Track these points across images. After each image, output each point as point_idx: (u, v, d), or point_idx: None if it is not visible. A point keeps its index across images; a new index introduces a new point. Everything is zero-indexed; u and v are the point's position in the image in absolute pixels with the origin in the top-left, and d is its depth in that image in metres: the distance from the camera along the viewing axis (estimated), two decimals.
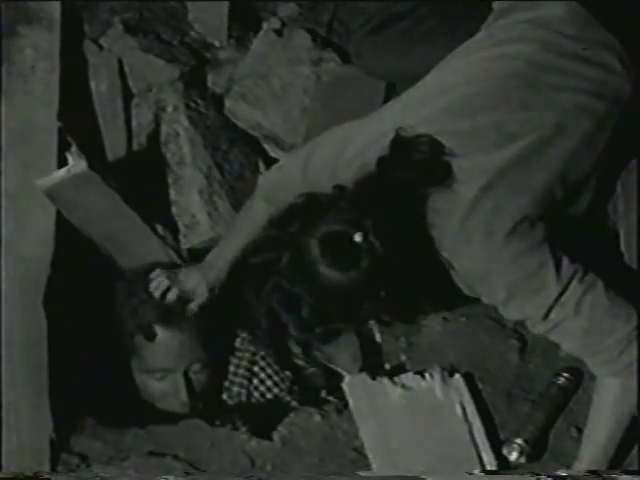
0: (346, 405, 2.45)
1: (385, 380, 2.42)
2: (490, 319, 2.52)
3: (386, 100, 2.91)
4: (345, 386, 2.43)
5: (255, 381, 2.72)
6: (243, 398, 2.73)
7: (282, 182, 2.46)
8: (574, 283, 2.18)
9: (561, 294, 2.18)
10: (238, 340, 2.75)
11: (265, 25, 3.04)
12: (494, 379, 2.45)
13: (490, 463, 2.33)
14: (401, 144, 2.19)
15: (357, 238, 2.10)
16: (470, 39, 2.40)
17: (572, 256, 2.20)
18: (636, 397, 2.26)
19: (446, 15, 2.61)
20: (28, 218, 2.60)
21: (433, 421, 2.37)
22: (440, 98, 2.28)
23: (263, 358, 2.72)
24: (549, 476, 2.28)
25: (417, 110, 2.28)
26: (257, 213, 2.53)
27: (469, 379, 2.43)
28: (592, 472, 2.27)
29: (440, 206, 2.18)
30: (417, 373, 2.43)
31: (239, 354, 2.73)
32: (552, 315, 2.19)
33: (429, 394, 2.40)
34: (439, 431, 2.37)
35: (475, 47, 2.36)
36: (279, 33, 3.01)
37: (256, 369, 2.72)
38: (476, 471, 2.31)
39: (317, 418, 2.43)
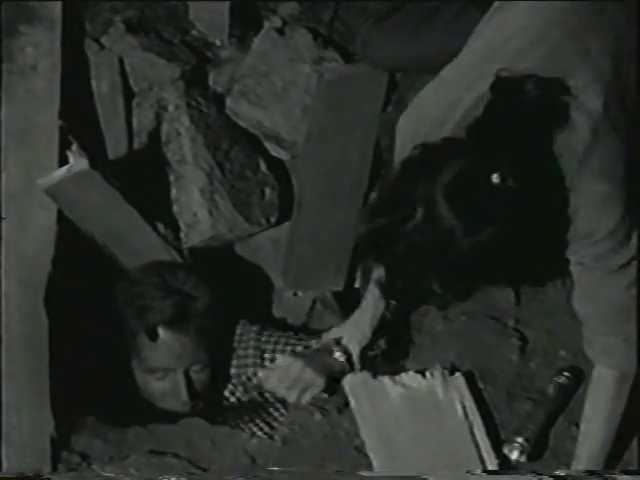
0: (347, 404, 2.45)
1: (386, 379, 2.42)
2: (491, 318, 2.52)
3: (388, 98, 2.91)
4: (346, 385, 2.43)
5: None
6: (245, 396, 2.74)
7: None
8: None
9: (633, 258, 2.15)
10: (241, 336, 2.74)
11: (266, 24, 3.03)
12: (495, 378, 2.45)
13: (491, 462, 2.33)
14: (504, 87, 2.08)
15: (495, 179, 1.98)
16: None
17: None
18: (628, 391, 2.29)
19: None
20: (29, 217, 2.60)
21: (434, 420, 2.37)
22: (524, 32, 2.19)
23: (272, 360, 2.72)
24: (551, 476, 2.28)
25: (504, 49, 2.19)
26: None
27: (470, 378, 2.43)
28: (591, 472, 2.27)
29: (563, 139, 2.09)
30: (418, 372, 2.44)
31: (242, 352, 2.73)
32: (615, 277, 2.16)
33: (430, 393, 2.40)
34: (440, 430, 2.37)
35: None
36: (280, 32, 3.01)
37: (267, 363, 2.71)
38: (477, 471, 2.31)
39: (318, 417, 2.43)
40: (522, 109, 2.06)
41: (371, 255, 2.12)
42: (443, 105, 2.24)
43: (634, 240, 2.14)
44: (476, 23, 2.36)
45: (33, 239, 2.58)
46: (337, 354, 2.50)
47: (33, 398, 2.41)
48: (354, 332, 2.55)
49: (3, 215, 2.58)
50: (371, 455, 2.35)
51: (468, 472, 2.31)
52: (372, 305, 2.53)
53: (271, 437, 2.46)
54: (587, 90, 2.11)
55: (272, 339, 2.71)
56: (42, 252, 2.56)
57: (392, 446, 2.35)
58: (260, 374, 2.54)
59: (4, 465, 2.34)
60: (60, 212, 2.62)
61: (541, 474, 2.28)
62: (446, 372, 2.43)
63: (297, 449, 2.40)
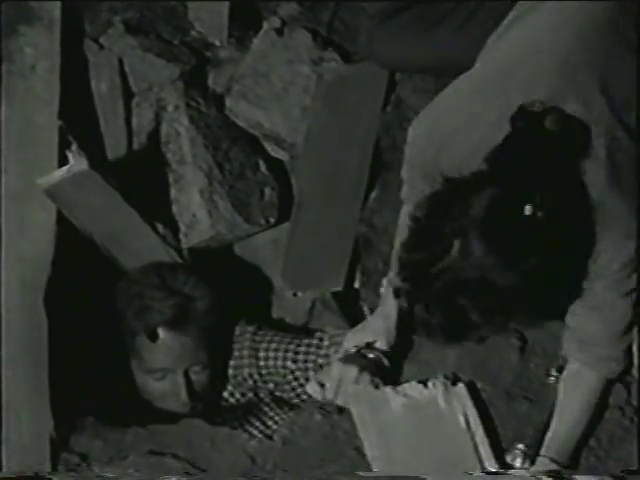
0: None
1: (387, 389, 2.40)
2: None
3: (387, 98, 2.91)
4: (348, 394, 2.41)
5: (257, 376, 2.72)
6: (243, 397, 2.74)
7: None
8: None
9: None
10: (238, 337, 2.74)
11: (266, 24, 3.03)
12: (494, 378, 2.44)
13: None
14: (524, 120, 2.10)
15: (527, 211, 2.00)
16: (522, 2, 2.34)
17: None
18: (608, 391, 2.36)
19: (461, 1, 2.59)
20: (29, 217, 2.60)
21: (436, 430, 2.36)
22: (533, 62, 2.20)
23: (266, 359, 2.72)
24: (549, 476, 2.28)
25: (514, 77, 2.20)
26: None
27: (472, 388, 2.42)
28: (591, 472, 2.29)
29: (586, 175, 2.11)
30: (420, 382, 2.42)
31: (237, 352, 2.73)
32: (624, 298, 2.21)
33: (432, 403, 2.38)
34: (442, 440, 2.35)
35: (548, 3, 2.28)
36: (280, 32, 3.01)
37: (261, 363, 2.71)
38: (476, 472, 2.31)
39: (318, 417, 2.43)
40: (543, 142, 2.08)
41: (409, 293, 2.12)
42: (458, 117, 2.24)
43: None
44: (486, 28, 2.37)
45: (33, 239, 2.58)
46: (371, 356, 2.49)
47: (33, 398, 2.41)
48: (381, 334, 2.53)
49: (3, 215, 2.58)
50: (372, 464, 2.34)
51: (467, 473, 2.31)
52: (393, 305, 2.52)
53: (271, 437, 2.45)
54: (603, 122, 2.12)
55: (266, 338, 2.71)
56: (42, 252, 2.56)
57: (394, 456, 2.33)
58: (309, 389, 2.48)
59: (4, 465, 2.34)
60: (60, 212, 2.62)
61: (540, 475, 2.28)
62: (448, 382, 2.41)
63: (297, 449, 2.40)
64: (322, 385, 2.43)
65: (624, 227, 2.14)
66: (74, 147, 2.59)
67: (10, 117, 2.72)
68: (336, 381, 2.41)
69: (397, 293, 2.17)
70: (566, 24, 2.23)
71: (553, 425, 2.35)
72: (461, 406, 2.38)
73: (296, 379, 2.67)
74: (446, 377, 2.43)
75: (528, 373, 2.46)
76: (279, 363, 2.67)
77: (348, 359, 2.45)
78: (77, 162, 2.57)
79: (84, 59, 2.94)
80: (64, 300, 2.55)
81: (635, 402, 2.41)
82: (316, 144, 2.91)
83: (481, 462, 2.33)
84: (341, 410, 2.43)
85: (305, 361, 2.65)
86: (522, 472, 2.31)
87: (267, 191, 2.92)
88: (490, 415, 2.40)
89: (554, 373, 2.41)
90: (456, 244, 2.02)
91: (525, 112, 2.10)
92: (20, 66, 2.79)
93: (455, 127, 2.23)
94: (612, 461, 2.38)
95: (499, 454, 2.34)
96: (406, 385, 2.41)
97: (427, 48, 2.66)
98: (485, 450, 2.34)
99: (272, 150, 3.00)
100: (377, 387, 2.40)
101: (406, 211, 2.42)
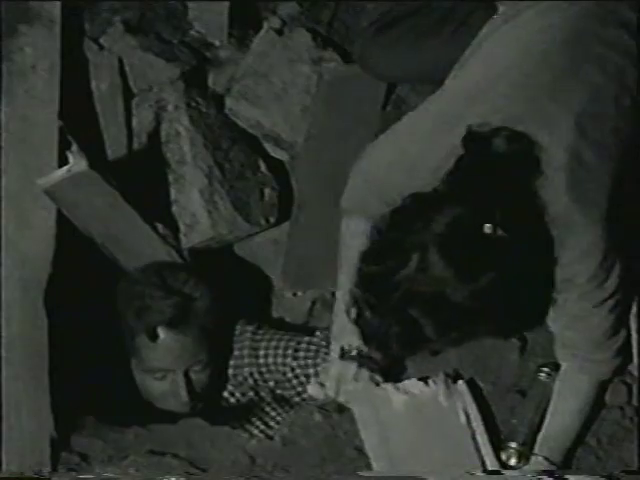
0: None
1: (389, 387, 2.40)
2: None
3: (387, 100, 2.91)
4: (349, 392, 2.41)
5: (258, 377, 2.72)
6: (243, 397, 2.74)
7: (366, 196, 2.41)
8: (623, 281, 2.22)
9: (616, 290, 2.22)
10: (238, 336, 2.74)
11: (265, 24, 3.03)
12: (494, 378, 2.45)
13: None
14: (475, 141, 2.13)
15: (487, 230, 2.04)
16: (494, 20, 2.37)
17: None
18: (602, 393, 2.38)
19: (452, 9, 2.60)
20: (29, 217, 2.60)
21: (436, 428, 2.36)
22: (495, 84, 2.23)
23: (265, 356, 2.72)
24: (550, 475, 2.28)
25: (473, 105, 2.23)
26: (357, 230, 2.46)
27: (472, 385, 2.43)
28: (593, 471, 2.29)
29: (541, 193, 2.13)
30: (420, 379, 2.42)
31: (238, 352, 2.73)
32: (599, 307, 2.23)
33: (433, 401, 2.39)
34: (442, 438, 2.36)
35: (508, 28, 2.32)
36: (279, 32, 3.01)
37: (261, 361, 2.71)
38: (477, 471, 2.31)
39: (318, 417, 2.43)
40: (499, 162, 2.10)
41: (366, 303, 2.14)
42: (419, 143, 2.27)
43: (615, 274, 2.19)
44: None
45: (33, 239, 2.58)
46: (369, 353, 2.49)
47: (33, 398, 2.41)
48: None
49: (3, 215, 2.58)
50: (373, 462, 2.34)
51: (468, 473, 2.31)
52: None
53: (271, 437, 2.46)
54: (562, 139, 2.14)
55: (266, 337, 2.71)
56: (42, 252, 2.56)
57: (394, 453, 2.34)
58: (310, 391, 2.49)
59: (4, 465, 2.34)
60: (60, 212, 2.62)
61: (542, 475, 2.28)
62: (449, 380, 2.42)
63: (297, 449, 2.40)
64: (322, 385, 2.43)
65: (586, 241, 2.15)
66: (74, 147, 2.59)
67: (10, 117, 2.71)
68: (335, 379, 2.42)
69: (355, 302, 2.18)
70: (526, 46, 2.26)
71: (547, 425, 2.36)
72: (462, 403, 2.38)
73: (296, 377, 2.67)
74: (447, 374, 2.43)
75: (528, 373, 2.46)
76: (279, 361, 2.67)
77: (346, 357, 2.45)
78: (77, 162, 2.56)
79: (84, 59, 2.94)
80: (64, 300, 2.55)
81: (635, 402, 2.41)
82: (316, 144, 2.91)
83: (482, 460, 2.33)
84: (341, 410, 2.43)
85: (305, 359, 2.65)
86: (524, 472, 2.32)
87: (267, 191, 2.92)
88: (492, 412, 2.40)
89: (545, 369, 2.41)
90: (414, 258, 2.05)
91: (474, 133, 2.13)
92: (20, 66, 2.79)
93: (417, 152, 2.26)
94: (612, 461, 2.39)
95: (499, 452, 2.35)
96: (407, 382, 2.42)
97: (419, 59, 2.67)
98: (486, 448, 2.34)
99: (272, 150, 3.00)
100: (378, 384, 2.40)
101: (349, 223, 2.48)
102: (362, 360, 2.43)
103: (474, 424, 2.36)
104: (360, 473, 2.34)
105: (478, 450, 2.34)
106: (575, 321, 2.27)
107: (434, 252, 2.04)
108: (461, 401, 2.39)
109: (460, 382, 2.41)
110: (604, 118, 2.18)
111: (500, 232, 2.04)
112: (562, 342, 2.34)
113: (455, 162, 2.13)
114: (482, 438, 2.35)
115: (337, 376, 2.42)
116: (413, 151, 2.27)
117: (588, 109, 2.17)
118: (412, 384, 2.41)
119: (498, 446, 2.36)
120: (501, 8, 2.40)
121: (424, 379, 2.42)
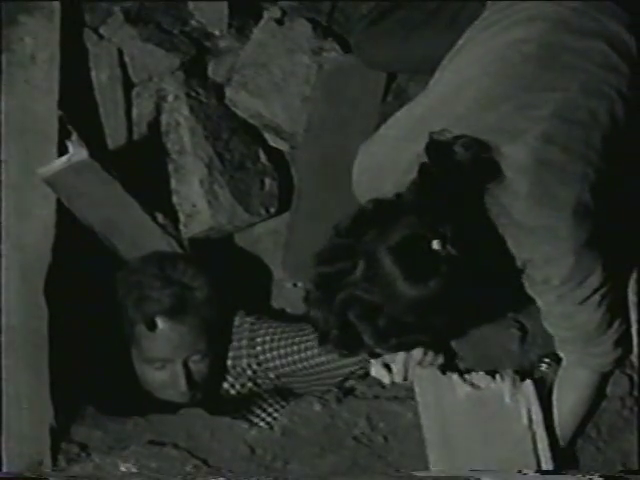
0: (346, 394, 2.45)
1: (455, 377, 2.40)
2: None
3: (387, 90, 2.91)
4: (415, 377, 2.41)
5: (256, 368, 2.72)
6: (242, 388, 2.74)
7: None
8: (608, 277, 2.21)
9: (600, 286, 2.20)
10: (237, 327, 2.74)
11: (266, 14, 3.03)
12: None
13: None
14: (437, 148, 2.15)
15: (435, 246, 2.06)
16: (475, 25, 2.38)
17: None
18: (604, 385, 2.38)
19: (445, 2, 2.61)
20: (29, 206, 2.59)
21: (497, 424, 2.35)
22: (463, 95, 2.25)
23: (263, 347, 2.71)
24: (600, 475, 2.28)
25: (442, 112, 2.25)
26: None
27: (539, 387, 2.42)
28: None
29: (502, 200, 2.15)
30: (488, 373, 2.41)
31: (236, 343, 2.73)
32: (583, 305, 2.22)
33: (497, 396, 2.37)
34: (501, 435, 2.34)
35: (485, 36, 2.33)
36: (280, 22, 3.01)
37: (259, 349, 2.71)
38: (529, 471, 2.31)
39: (317, 407, 2.43)
40: (456, 173, 2.12)
41: (314, 300, 2.18)
42: (395, 150, 2.30)
43: (597, 271, 2.19)
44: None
45: (33, 229, 2.57)
46: None
47: (33, 388, 2.41)
48: None
49: (3, 205, 2.58)
50: (428, 448, 2.35)
51: (519, 472, 2.31)
52: None
53: (271, 427, 2.46)
54: (522, 150, 2.15)
55: (265, 325, 2.71)
56: (42, 242, 2.56)
57: (451, 443, 2.34)
58: (373, 372, 2.49)
59: (4, 455, 2.34)
60: (59, 202, 2.62)
61: (593, 475, 2.28)
62: (517, 377, 2.39)
63: (296, 439, 2.40)
64: (388, 368, 2.44)
65: (553, 244, 2.16)
66: (74, 137, 2.58)
67: (10, 107, 2.71)
68: (402, 364, 2.42)
69: (306, 297, 2.22)
70: (494, 57, 2.27)
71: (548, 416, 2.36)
72: (526, 403, 2.36)
73: (297, 368, 2.67)
74: (516, 372, 2.42)
75: (528, 363, 2.46)
76: (281, 353, 2.67)
77: None
78: (77, 152, 2.56)
79: (84, 49, 2.93)
80: (64, 289, 2.55)
81: (636, 393, 2.42)
82: (316, 134, 2.91)
83: (538, 462, 2.32)
84: (340, 400, 2.43)
85: (305, 350, 2.65)
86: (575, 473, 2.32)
87: (267, 181, 2.92)
88: (552, 416, 2.39)
89: (546, 360, 2.41)
90: (361, 265, 2.08)
91: (436, 142, 2.15)
92: (20, 56, 2.78)
93: (384, 157, 2.30)
94: (612, 451, 2.39)
95: (557, 455, 2.35)
96: (474, 374, 2.41)
97: (413, 49, 2.67)
98: (544, 450, 2.33)
99: (272, 140, 3.00)
100: (444, 373, 2.40)
101: None
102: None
103: (535, 426, 2.35)
104: (416, 473, 2.34)
105: (536, 452, 2.33)
106: (562, 320, 2.27)
107: (383, 261, 2.07)
108: (525, 401, 2.37)
109: (527, 382, 2.39)
110: (576, 126, 2.18)
111: (450, 249, 2.06)
112: (557, 338, 2.35)
113: (418, 170, 2.15)
114: (542, 441, 2.34)
115: (404, 361, 2.42)
116: (381, 156, 2.31)
117: (557, 118, 2.17)
118: (479, 377, 2.40)
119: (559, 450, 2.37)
120: (486, 12, 2.39)
121: (492, 373, 2.41)
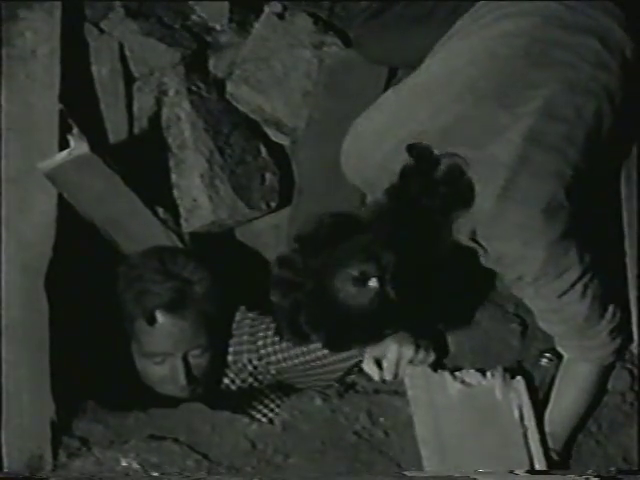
0: (347, 389, 2.45)
1: (446, 374, 2.41)
2: (491, 303, 2.52)
3: (388, 84, 2.91)
4: (406, 375, 2.42)
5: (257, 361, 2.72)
6: (243, 383, 2.74)
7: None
8: (587, 269, 2.20)
9: (579, 279, 2.20)
10: (238, 323, 2.74)
11: (267, 8, 3.02)
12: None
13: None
14: (420, 161, 2.18)
15: (372, 284, 2.10)
16: (467, 15, 2.38)
17: (582, 240, 2.21)
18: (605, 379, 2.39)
19: None
20: (30, 201, 2.60)
21: (488, 420, 2.36)
22: (448, 85, 2.26)
23: (264, 342, 2.71)
24: (596, 475, 2.28)
25: (427, 100, 2.26)
26: None
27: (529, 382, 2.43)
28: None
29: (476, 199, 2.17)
30: (478, 371, 2.42)
31: (237, 338, 2.73)
32: (564, 298, 2.21)
33: (488, 393, 2.38)
34: (493, 431, 2.35)
35: (475, 27, 2.34)
36: (281, 16, 3.01)
37: (260, 343, 2.70)
38: (520, 471, 2.31)
39: (318, 402, 2.43)
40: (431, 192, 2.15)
41: (272, 296, 2.25)
42: (377, 133, 2.33)
43: (575, 264, 2.20)
44: None
45: (33, 223, 2.58)
46: None
47: (33, 383, 2.41)
48: None
49: (4, 199, 2.58)
50: (421, 446, 2.35)
51: (510, 472, 2.31)
52: None
53: (271, 422, 2.46)
54: (501, 146, 2.16)
55: (266, 320, 2.71)
56: (42, 236, 2.56)
57: (443, 440, 2.34)
58: (365, 368, 2.51)
59: (4, 449, 2.34)
60: (60, 196, 2.62)
61: (589, 475, 2.28)
62: (507, 374, 2.40)
63: (297, 434, 2.41)
64: (379, 366, 2.45)
65: (526, 240, 2.16)
66: (75, 131, 2.58)
67: (11, 101, 2.71)
68: (394, 361, 2.44)
69: (272, 289, 2.27)
70: (480, 51, 2.28)
71: (548, 411, 2.36)
72: (517, 399, 2.37)
73: (296, 364, 2.66)
74: (506, 369, 2.42)
75: (529, 357, 2.46)
76: (280, 347, 2.67)
77: (404, 338, 2.48)
78: (78, 146, 2.56)
79: (85, 43, 2.93)
80: (65, 284, 2.55)
81: (636, 387, 2.42)
82: (317, 129, 2.91)
83: (530, 458, 2.33)
84: (341, 395, 2.43)
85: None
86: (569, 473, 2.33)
87: (268, 176, 2.92)
88: (544, 413, 2.40)
89: (547, 355, 2.41)
90: (309, 284, 2.15)
91: (415, 147, 2.17)
92: (20, 50, 2.78)
93: (369, 141, 2.33)
94: (612, 446, 2.39)
95: (548, 451, 2.35)
96: (465, 372, 2.42)
97: (413, 43, 2.67)
98: (536, 447, 2.33)
99: (273, 135, 3.00)
100: (436, 370, 2.41)
101: None
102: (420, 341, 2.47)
103: (527, 422, 2.35)
104: (407, 473, 2.35)
105: (528, 448, 2.33)
106: (550, 314, 2.28)
107: (329, 285, 2.13)
108: (517, 397, 2.38)
109: (518, 378, 2.40)
110: (560, 122, 2.19)
111: (389, 290, 2.10)
112: (554, 335, 2.35)
113: (400, 174, 2.17)
114: (533, 437, 2.34)
115: (395, 358, 2.43)
116: (365, 140, 2.33)
117: (542, 115, 2.18)
118: (470, 374, 2.41)
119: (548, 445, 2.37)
120: (479, 3, 2.39)
121: (482, 370, 2.42)
